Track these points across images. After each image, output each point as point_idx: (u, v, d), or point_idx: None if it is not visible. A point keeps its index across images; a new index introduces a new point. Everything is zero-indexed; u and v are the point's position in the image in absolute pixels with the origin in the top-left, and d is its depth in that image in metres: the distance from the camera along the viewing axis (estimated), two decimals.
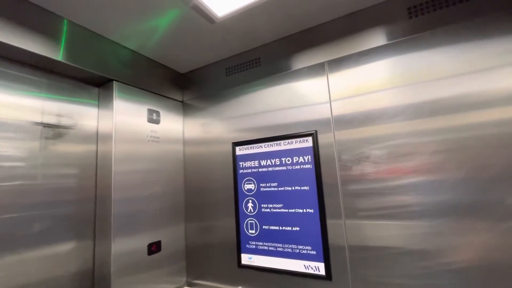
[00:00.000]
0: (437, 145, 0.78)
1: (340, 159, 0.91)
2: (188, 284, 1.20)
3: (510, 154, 0.70)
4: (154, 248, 1.08)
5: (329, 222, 0.90)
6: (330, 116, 0.94)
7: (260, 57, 1.13)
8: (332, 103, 0.94)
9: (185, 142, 1.30)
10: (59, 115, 0.95)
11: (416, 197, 0.79)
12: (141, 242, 1.05)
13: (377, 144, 0.86)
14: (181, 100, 1.34)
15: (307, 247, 0.93)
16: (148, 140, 1.13)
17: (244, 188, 1.09)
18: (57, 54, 0.87)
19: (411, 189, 0.80)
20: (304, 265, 0.93)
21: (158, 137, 1.18)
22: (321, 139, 0.95)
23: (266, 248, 1.01)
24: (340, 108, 0.93)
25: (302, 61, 1.03)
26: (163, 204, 1.16)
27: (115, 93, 1.03)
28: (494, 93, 0.73)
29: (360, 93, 0.90)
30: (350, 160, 0.89)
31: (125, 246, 0.99)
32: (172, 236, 1.18)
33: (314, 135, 0.96)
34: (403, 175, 0.81)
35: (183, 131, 1.32)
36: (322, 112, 0.96)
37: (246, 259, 1.05)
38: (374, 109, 0.87)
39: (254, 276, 1.04)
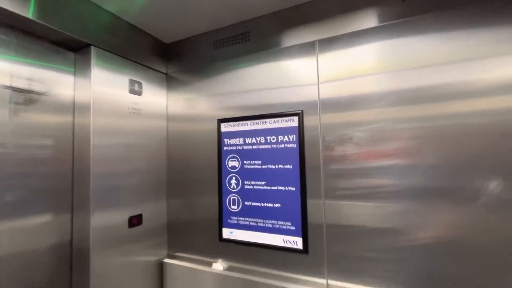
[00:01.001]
0: (415, 132, 0.81)
1: (324, 140, 0.93)
2: (169, 256, 1.23)
3: (482, 144, 0.74)
4: (135, 221, 1.08)
5: (310, 200, 0.94)
6: (317, 98, 0.95)
7: (250, 31, 1.09)
8: (320, 85, 0.95)
9: (169, 117, 1.27)
10: (30, 79, 0.88)
11: (391, 179, 0.83)
12: (121, 215, 1.04)
13: (359, 127, 0.88)
14: (165, 72, 1.29)
15: (287, 223, 0.97)
16: (130, 112, 1.09)
17: (228, 165, 1.10)
18: (26, 10, 0.79)
19: (387, 171, 0.84)
20: (283, 240, 0.97)
21: (140, 110, 1.13)
22: (307, 120, 0.96)
23: (247, 223, 1.04)
24: (328, 91, 0.93)
25: (292, 38, 1.01)
26: (145, 179, 1.15)
27: (93, 60, 0.97)
28: (477, 83, 0.76)
29: (348, 76, 0.91)
30: (333, 141, 0.91)
31: (105, 219, 0.98)
32: (153, 211, 1.18)
33: (300, 115, 0.96)
34: (381, 158, 0.85)
35: (167, 106, 1.27)
36: (310, 93, 0.96)
37: (227, 233, 1.08)
38: (360, 93, 0.89)
39: (234, 249, 1.07)
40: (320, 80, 0.95)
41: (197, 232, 1.17)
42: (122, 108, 1.06)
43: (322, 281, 0.92)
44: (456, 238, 0.76)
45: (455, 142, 0.77)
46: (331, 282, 0.90)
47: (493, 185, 0.72)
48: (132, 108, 1.10)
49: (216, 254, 1.12)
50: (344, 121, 0.90)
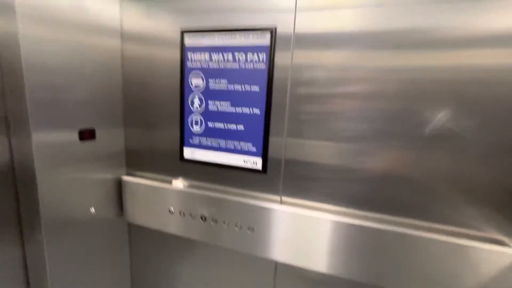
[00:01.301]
0: (385, 79, 0.79)
1: (294, 65, 0.88)
2: (128, 174, 1.21)
3: (448, 99, 0.75)
4: (86, 135, 1.00)
5: (273, 123, 0.93)
6: (292, 17, 0.86)
7: None
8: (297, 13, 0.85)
9: (123, 31, 1.09)
10: None
11: (353, 122, 0.84)
12: (71, 131, 0.96)
13: (329, 68, 0.83)
14: None
15: (248, 144, 0.97)
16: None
17: (192, 83, 1.02)
18: None
19: (351, 114, 0.84)
20: (244, 160, 0.99)
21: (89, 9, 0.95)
22: (279, 40, 0.89)
23: (209, 143, 1.03)
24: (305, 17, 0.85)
25: None
26: (99, 94, 1.04)
27: None
28: (465, 32, 0.72)
29: (329, 6, 0.81)
30: (304, 69, 0.87)
31: (51, 136, 0.89)
32: (109, 128, 1.11)
33: (272, 32, 0.88)
34: (346, 100, 0.83)
35: (121, 18, 1.09)
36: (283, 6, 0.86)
37: (189, 153, 1.07)
38: (337, 29, 0.81)
39: (195, 169, 1.08)
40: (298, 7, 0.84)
41: (157, 152, 1.14)
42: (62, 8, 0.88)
43: (277, 197, 0.98)
44: (396, 170, 0.83)
45: (420, 92, 0.76)
46: (284, 198, 0.97)
47: (438, 120, 0.77)
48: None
49: (177, 173, 1.12)
50: (315, 59, 0.84)
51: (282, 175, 0.95)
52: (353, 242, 0.86)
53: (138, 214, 1.17)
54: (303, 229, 0.92)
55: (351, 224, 0.85)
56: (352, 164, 0.87)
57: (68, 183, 0.98)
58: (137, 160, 1.19)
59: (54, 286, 0.99)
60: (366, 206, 0.88)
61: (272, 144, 0.95)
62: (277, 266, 1.05)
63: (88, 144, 1.03)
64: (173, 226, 1.11)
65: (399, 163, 0.82)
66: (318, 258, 0.91)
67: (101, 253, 1.19)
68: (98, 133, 1.05)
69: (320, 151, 0.90)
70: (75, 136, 0.97)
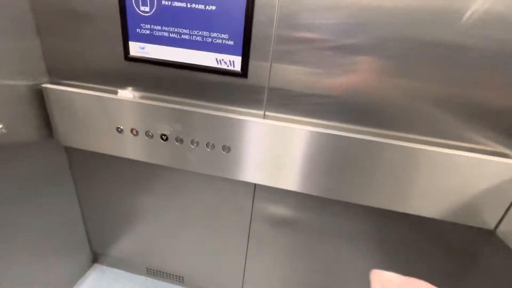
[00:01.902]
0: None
1: None
2: (53, 82, 0.87)
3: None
4: None
5: (258, 2, 0.65)
6: None
7: None
8: None
9: None
10: None
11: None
12: None
13: None
14: None
15: (223, 36, 0.70)
16: None
17: None
18: None
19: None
20: (217, 59, 0.72)
21: None
22: None
23: (166, 34, 0.73)
24: None
25: None
26: None
27: None
28: None
29: None
30: None
31: None
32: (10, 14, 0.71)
33: None
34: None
35: None
36: None
37: (137, 49, 0.76)
38: None
39: (147, 72, 0.79)
40: None
41: (89, 45, 0.80)
42: None
43: (259, 112, 0.78)
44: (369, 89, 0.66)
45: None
46: (269, 113, 0.78)
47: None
48: None
49: (123, 81, 0.83)
50: None
51: (268, 80, 0.73)
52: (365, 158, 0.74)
53: (74, 134, 0.89)
54: (285, 146, 0.76)
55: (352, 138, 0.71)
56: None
57: None
58: (63, 62, 0.84)
59: None
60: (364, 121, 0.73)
61: (256, 36, 0.69)
62: (255, 189, 0.93)
63: None
64: (123, 148, 0.87)
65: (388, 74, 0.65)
66: (299, 177, 0.79)
67: (36, 184, 0.94)
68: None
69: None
70: None
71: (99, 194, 1.11)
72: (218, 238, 1.07)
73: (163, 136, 0.82)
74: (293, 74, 0.71)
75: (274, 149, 0.77)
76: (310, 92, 0.72)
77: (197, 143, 0.80)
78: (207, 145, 0.80)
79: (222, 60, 0.72)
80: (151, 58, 0.76)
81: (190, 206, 1.03)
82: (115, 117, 0.83)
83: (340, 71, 0.68)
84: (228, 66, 0.72)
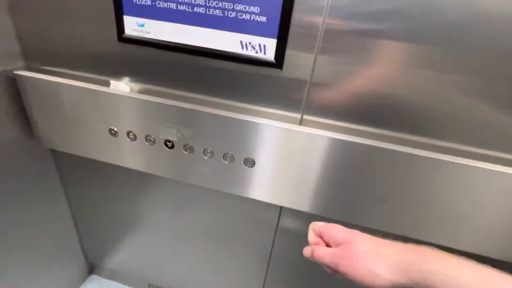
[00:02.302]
0: None
1: None
2: (29, 69, 0.69)
3: None
4: None
5: None
6: None
7: None
8: None
9: None
10: None
11: None
12: None
13: None
14: None
15: (253, 8, 0.49)
16: None
17: None
18: None
19: None
20: (242, 42, 0.53)
21: None
22: None
23: (173, 6, 0.53)
24: None
25: None
26: None
27: None
28: None
29: None
30: None
31: None
32: None
33: None
34: None
35: None
36: None
37: (134, 26, 0.57)
38: None
39: (148, 58, 0.60)
40: None
41: (75, 25, 0.61)
42: None
43: (295, 115, 0.59)
44: None
45: None
46: (308, 117, 0.58)
47: None
48: None
49: (116, 68, 0.64)
50: None
51: (312, 74, 0.53)
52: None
53: (57, 135, 0.71)
54: (328, 163, 0.57)
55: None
56: None
57: None
58: (41, 43, 0.65)
59: None
60: None
61: (300, 10, 0.48)
62: (281, 213, 0.74)
63: None
64: (118, 155, 0.69)
65: None
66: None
67: (18, 191, 0.78)
68: None
69: None
70: None
71: (92, 202, 0.94)
72: (233, 259, 0.90)
73: (167, 143, 0.63)
74: (344, 68, 0.51)
75: (312, 166, 0.58)
76: (367, 93, 0.52)
77: (212, 153, 0.62)
78: (224, 156, 0.61)
79: (250, 43, 0.52)
80: (153, 39, 0.56)
81: (200, 222, 0.85)
82: (107, 116, 0.65)
83: (402, 69, 0.48)
84: (257, 52, 0.53)
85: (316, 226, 0.43)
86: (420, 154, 0.51)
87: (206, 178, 0.66)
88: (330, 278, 0.86)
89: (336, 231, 0.40)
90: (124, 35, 0.58)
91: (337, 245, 0.38)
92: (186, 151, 0.63)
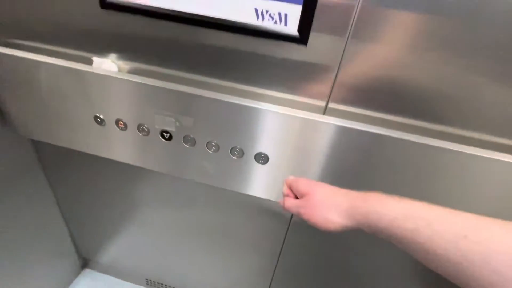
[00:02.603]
0: None
1: None
2: (6, 44, 0.57)
3: None
4: None
5: None
6: None
7: None
8: None
9: None
10: None
11: None
12: None
13: None
14: None
15: None
16: None
17: None
18: None
19: None
20: (257, 10, 0.42)
21: None
22: None
23: None
24: None
25: None
26: None
27: None
28: None
29: None
30: None
31: None
32: None
33: None
34: None
35: None
36: None
37: None
38: None
39: (138, 31, 0.49)
40: None
41: None
42: None
43: (318, 103, 0.49)
44: None
45: None
46: (333, 105, 0.48)
47: None
48: None
49: (99, 42, 0.52)
50: None
51: (343, 55, 0.43)
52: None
53: (35, 123, 0.61)
54: (356, 159, 0.48)
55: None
56: None
57: None
58: (9, 12, 0.53)
59: None
60: None
61: None
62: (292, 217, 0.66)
63: None
64: (105, 146, 0.59)
65: None
66: None
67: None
68: None
69: None
70: None
71: (81, 196, 0.85)
72: (238, 258, 0.83)
73: (164, 134, 0.54)
74: (381, 50, 0.40)
75: (339, 164, 0.49)
76: (405, 81, 0.42)
77: (217, 146, 0.52)
78: (232, 151, 0.52)
79: (267, 11, 0.41)
80: (143, 4, 0.45)
81: (202, 218, 0.77)
82: (92, 100, 0.54)
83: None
84: (276, 22, 0.42)
85: (288, 180, 0.46)
86: (479, 154, 0.42)
87: (210, 175, 0.56)
88: (337, 280, 0.80)
89: (300, 184, 0.44)
90: (107, 0, 0.46)
91: (302, 196, 0.43)
92: (187, 144, 0.53)
